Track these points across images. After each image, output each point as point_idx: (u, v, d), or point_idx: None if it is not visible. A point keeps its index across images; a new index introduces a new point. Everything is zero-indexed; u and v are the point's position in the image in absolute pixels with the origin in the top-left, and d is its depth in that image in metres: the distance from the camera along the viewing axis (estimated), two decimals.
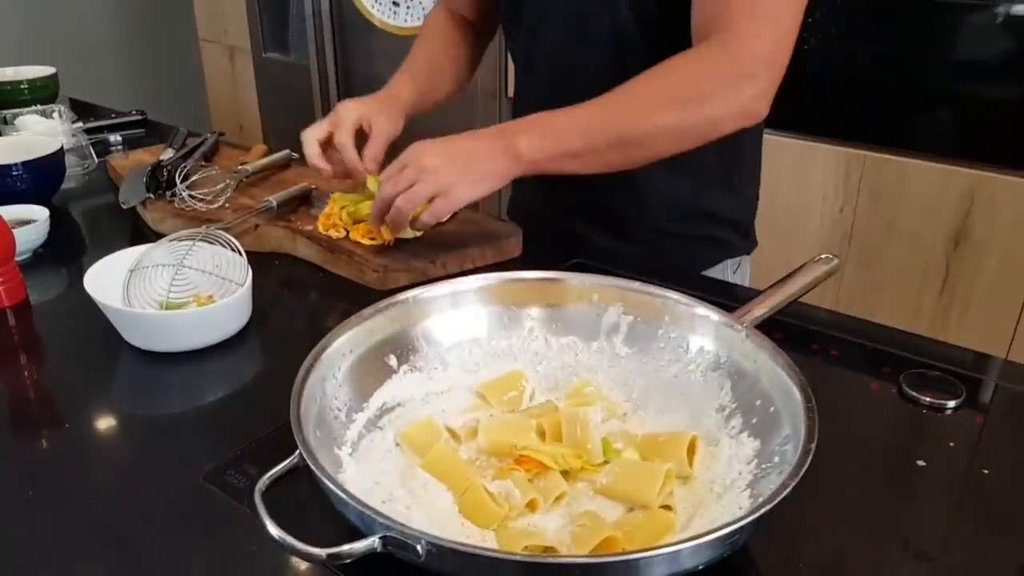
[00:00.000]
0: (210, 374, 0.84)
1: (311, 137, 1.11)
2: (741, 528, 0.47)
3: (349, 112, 1.10)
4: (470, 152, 0.93)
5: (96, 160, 1.51)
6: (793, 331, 0.89)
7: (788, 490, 0.50)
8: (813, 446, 0.54)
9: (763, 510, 0.48)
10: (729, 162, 1.14)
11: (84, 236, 1.25)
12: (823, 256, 0.86)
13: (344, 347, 0.68)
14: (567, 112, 0.92)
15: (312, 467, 0.51)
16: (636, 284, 0.77)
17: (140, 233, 1.18)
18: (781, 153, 1.93)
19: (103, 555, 0.60)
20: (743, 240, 1.21)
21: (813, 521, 0.62)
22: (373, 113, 1.10)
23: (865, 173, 1.87)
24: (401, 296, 0.73)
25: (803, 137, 1.93)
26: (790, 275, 0.83)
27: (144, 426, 0.78)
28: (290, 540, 0.47)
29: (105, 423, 0.77)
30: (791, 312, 0.81)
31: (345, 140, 1.08)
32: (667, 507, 0.61)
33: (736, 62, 0.89)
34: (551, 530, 0.59)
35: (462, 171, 0.92)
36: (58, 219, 1.26)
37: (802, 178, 1.95)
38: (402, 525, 0.46)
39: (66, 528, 0.62)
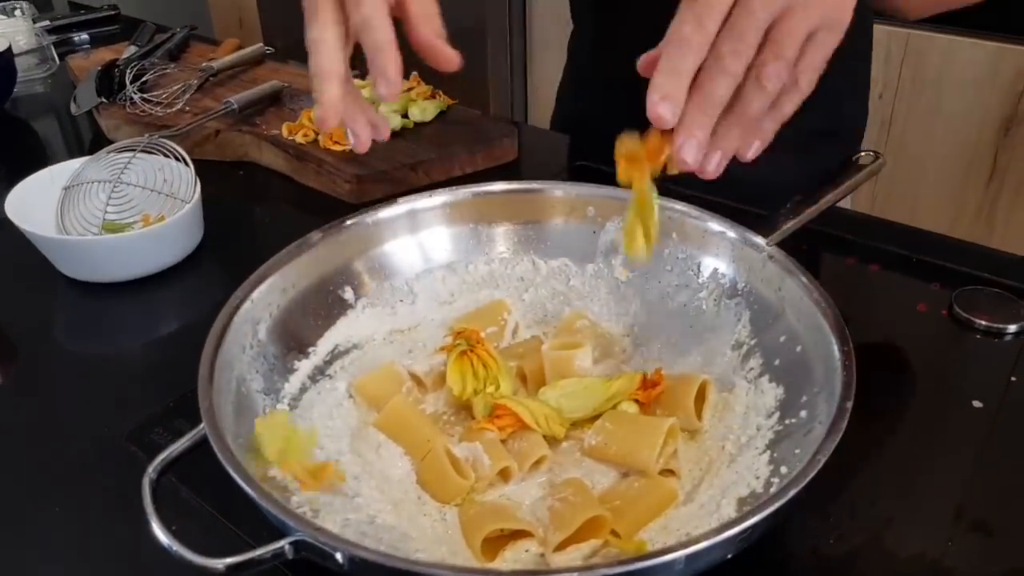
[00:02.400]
0: (153, 307, 0.74)
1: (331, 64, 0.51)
2: (754, 525, 0.37)
3: None
4: None
5: (58, 62, 1.38)
6: (824, 241, 0.77)
7: (819, 467, 0.39)
8: (850, 405, 0.43)
9: (779, 503, 0.37)
10: (852, 70, 0.93)
11: (39, 147, 1.14)
12: (864, 153, 0.72)
13: (283, 282, 0.57)
14: None
15: (216, 449, 0.41)
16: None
17: (99, 143, 1.06)
18: None
19: None
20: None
21: (845, 482, 0.51)
22: None
23: (908, 53, 1.68)
24: (352, 218, 0.61)
25: None
26: (825, 177, 0.70)
27: (74, 370, 0.68)
28: (178, 549, 0.37)
29: (29, 367, 0.68)
30: (822, 218, 0.68)
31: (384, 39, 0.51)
32: (669, 471, 0.50)
33: None
34: (526, 505, 0.49)
35: None
36: (11, 128, 1.15)
37: None
38: (317, 529, 0.36)
39: None
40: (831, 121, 0.95)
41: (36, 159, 1.09)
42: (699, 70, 0.44)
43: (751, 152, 0.48)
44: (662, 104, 0.44)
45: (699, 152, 0.45)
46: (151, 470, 0.41)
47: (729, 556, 0.39)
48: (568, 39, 1.13)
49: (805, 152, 0.93)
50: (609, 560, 0.44)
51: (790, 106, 0.47)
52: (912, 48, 1.67)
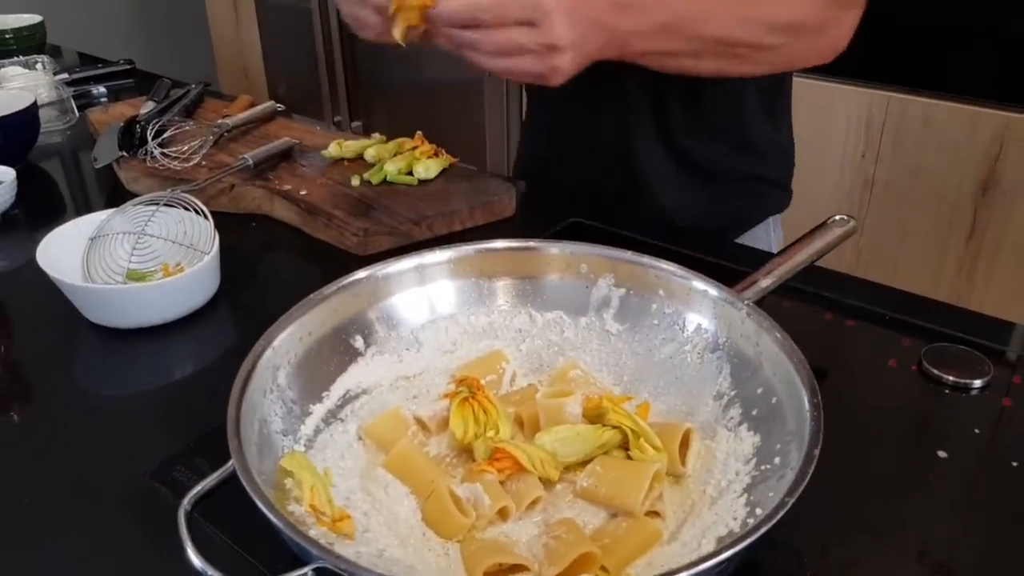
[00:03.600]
0: (173, 352, 0.79)
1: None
2: (728, 559, 0.41)
3: None
4: (594, 33, 0.74)
5: (78, 114, 1.44)
6: (805, 298, 0.82)
7: (786, 509, 0.44)
8: (817, 452, 0.48)
9: (750, 540, 0.42)
10: (770, 102, 1.04)
11: (60, 197, 1.19)
12: (839, 217, 0.78)
13: (300, 331, 0.62)
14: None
15: (245, 483, 0.45)
16: (628, 253, 0.69)
17: (118, 193, 1.11)
18: (799, 95, 1.78)
19: (26, 565, 0.55)
20: (784, 192, 1.11)
21: (817, 525, 0.56)
22: None
23: (889, 116, 1.76)
24: (363, 272, 0.66)
25: (823, 78, 1.81)
26: (801, 239, 0.75)
27: (98, 410, 0.72)
28: (212, 573, 0.41)
29: (55, 407, 0.72)
30: (803, 276, 0.73)
31: None
32: (655, 512, 0.54)
33: None
34: (523, 542, 0.53)
35: (579, 55, 0.73)
36: (33, 178, 1.20)
37: (822, 122, 1.84)
38: (336, 557, 0.41)
39: None
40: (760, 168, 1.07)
41: (57, 207, 1.14)
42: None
43: None
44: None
45: None
46: (186, 502, 0.46)
47: None
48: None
49: (740, 194, 1.05)
50: None
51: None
52: (892, 110, 1.75)
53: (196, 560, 0.42)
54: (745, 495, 0.52)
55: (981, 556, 0.54)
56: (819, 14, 0.82)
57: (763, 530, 0.42)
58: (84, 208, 1.13)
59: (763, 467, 0.53)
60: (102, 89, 1.61)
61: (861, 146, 1.81)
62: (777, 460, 0.53)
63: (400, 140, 1.11)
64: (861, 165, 1.83)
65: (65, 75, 1.61)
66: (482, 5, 0.69)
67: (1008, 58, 1.65)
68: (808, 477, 0.46)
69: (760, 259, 0.74)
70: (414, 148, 1.09)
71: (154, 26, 3.47)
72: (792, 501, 0.44)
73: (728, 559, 0.41)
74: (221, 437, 0.56)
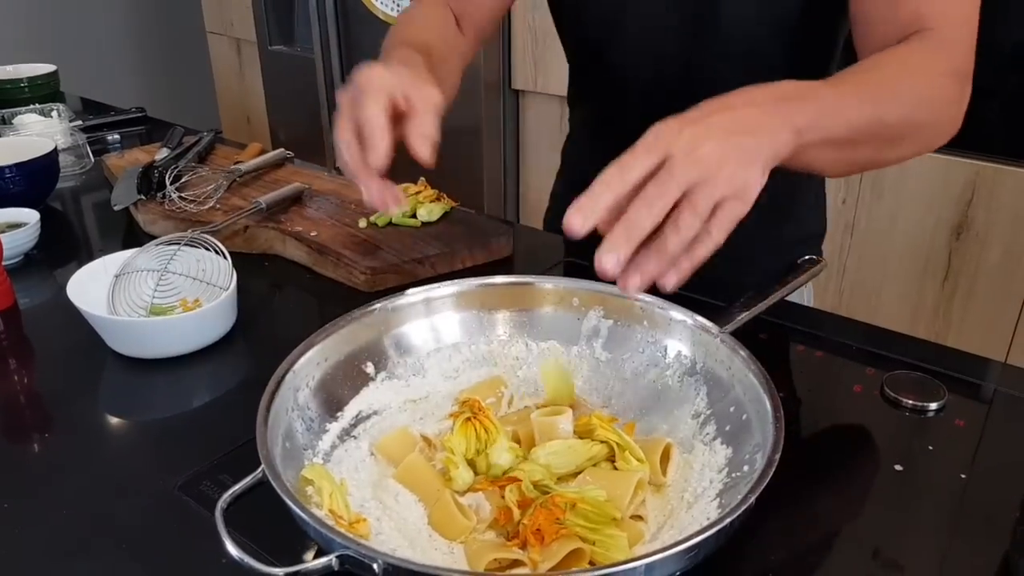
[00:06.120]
0: (194, 380, 0.85)
1: (347, 149, 0.73)
2: (698, 544, 0.47)
3: (377, 84, 0.71)
4: (754, 127, 0.61)
5: (93, 159, 1.52)
6: (779, 331, 0.89)
7: (748, 504, 0.50)
8: (777, 457, 0.54)
9: (719, 526, 0.48)
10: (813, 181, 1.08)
11: (78, 237, 1.26)
12: (808, 258, 0.85)
13: (318, 356, 0.68)
14: (829, 87, 0.70)
15: (274, 484, 0.51)
16: (615, 288, 0.76)
17: (134, 234, 1.18)
18: None
19: (71, 570, 0.61)
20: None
21: (783, 527, 0.62)
22: (408, 83, 0.72)
23: None
24: (376, 304, 0.73)
25: None
26: (774, 277, 0.82)
27: (124, 434, 0.78)
28: (248, 560, 0.47)
29: (85, 431, 0.78)
30: (778, 311, 0.80)
31: (376, 136, 0.71)
32: (638, 516, 0.61)
33: (958, 70, 0.79)
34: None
35: (752, 157, 0.60)
36: (53, 220, 1.27)
37: None
38: (358, 544, 0.47)
39: (37, 542, 0.63)
40: (801, 229, 1.12)
41: (74, 247, 1.21)
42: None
43: (670, 284, 0.58)
44: (576, 216, 0.56)
45: (617, 265, 0.56)
46: (222, 501, 0.52)
47: (678, 574, 0.49)
48: (562, 144, 1.27)
49: (781, 253, 1.08)
50: None
51: (703, 251, 0.58)
52: None
53: (233, 550, 0.48)
54: (718, 499, 0.59)
55: (928, 553, 0.61)
56: (954, 89, 0.80)
57: (728, 521, 0.49)
58: (101, 249, 1.20)
59: (734, 475, 0.60)
60: (115, 136, 1.69)
61: (842, 192, 1.90)
62: (745, 468, 0.59)
63: (404, 185, 1.19)
64: (842, 210, 1.92)
65: (79, 122, 1.69)
66: (607, 180, 0.57)
67: (978, 111, 1.74)
68: (768, 479, 0.52)
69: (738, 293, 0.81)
70: (417, 193, 1.16)
71: (160, 74, 3.58)
72: (753, 498, 0.50)
73: (697, 544, 0.47)
74: (243, 455, 0.63)
